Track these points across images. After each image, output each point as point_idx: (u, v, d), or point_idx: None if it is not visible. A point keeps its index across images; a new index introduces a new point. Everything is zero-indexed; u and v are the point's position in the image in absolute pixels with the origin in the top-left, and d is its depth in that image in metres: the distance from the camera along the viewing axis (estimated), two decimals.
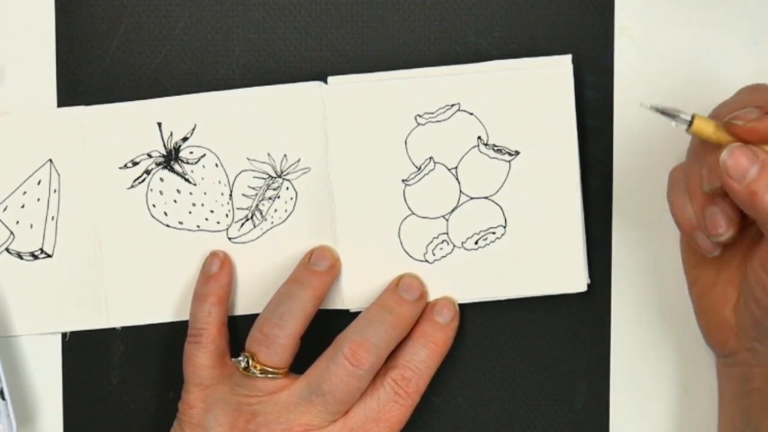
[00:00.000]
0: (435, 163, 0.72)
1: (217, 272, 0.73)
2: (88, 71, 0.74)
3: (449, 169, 0.72)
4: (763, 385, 0.67)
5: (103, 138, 0.73)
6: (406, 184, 0.73)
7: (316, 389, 0.70)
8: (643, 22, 0.73)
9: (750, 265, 0.66)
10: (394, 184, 0.73)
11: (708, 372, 0.73)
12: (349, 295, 0.73)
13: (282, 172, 0.73)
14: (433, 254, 0.73)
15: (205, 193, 0.74)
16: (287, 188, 0.73)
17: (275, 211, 0.73)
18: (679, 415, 0.74)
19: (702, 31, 0.73)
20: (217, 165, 0.73)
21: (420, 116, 0.72)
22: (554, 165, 0.72)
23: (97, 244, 0.74)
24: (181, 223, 0.74)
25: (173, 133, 0.73)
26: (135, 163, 0.73)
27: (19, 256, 0.74)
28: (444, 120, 0.72)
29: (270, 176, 0.73)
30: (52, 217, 0.74)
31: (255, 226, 0.74)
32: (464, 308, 0.74)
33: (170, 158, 0.73)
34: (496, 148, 0.72)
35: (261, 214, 0.74)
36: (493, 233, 0.73)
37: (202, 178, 0.73)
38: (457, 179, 0.72)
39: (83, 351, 0.75)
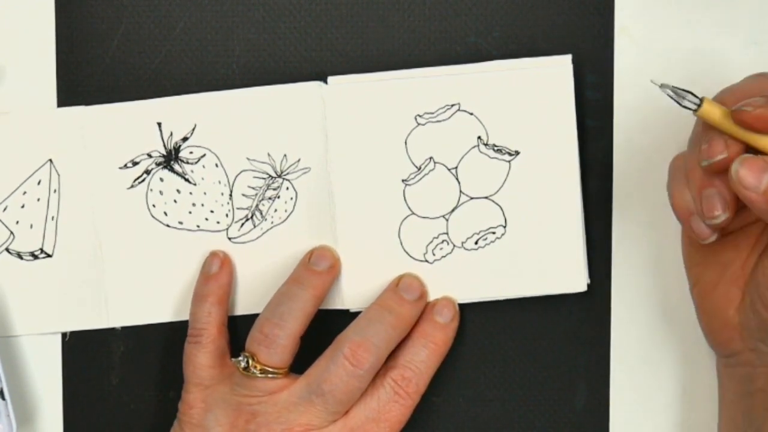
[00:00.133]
0: (435, 163, 0.72)
1: (217, 272, 0.73)
2: (88, 71, 0.74)
3: (449, 169, 0.72)
4: (767, 385, 0.67)
5: (103, 138, 0.73)
6: (406, 184, 0.73)
7: (316, 389, 0.70)
8: (643, 22, 0.73)
9: (761, 266, 0.65)
10: (394, 184, 0.73)
11: (708, 372, 0.73)
12: (349, 295, 0.73)
13: (282, 172, 0.73)
14: (433, 254, 0.73)
15: (205, 193, 0.74)
16: (287, 188, 0.73)
17: (275, 211, 0.73)
18: (680, 415, 0.74)
19: (702, 31, 0.73)
20: (217, 165, 0.73)
21: (420, 116, 0.72)
22: (554, 165, 0.72)
23: (97, 244, 0.74)
24: (181, 223, 0.74)
25: (173, 133, 0.73)
26: (135, 163, 0.73)
27: (19, 256, 0.74)
28: (444, 120, 0.72)
29: (270, 176, 0.73)
30: (52, 217, 0.74)
31: (255, 226, 0.74)
32: (464, 308, 0.74)
33: (170, 158, 0.73)
34: (496, 148, 0.72)
35: (261, 214, 0.74)
36: (493, 233, 0.73)
37: (202, 178, 0.73)
38: (457, 179, 0.72)
39: (83, 351, 0.75)
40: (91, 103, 0.73)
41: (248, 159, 0.73)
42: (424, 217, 0.73)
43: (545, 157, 0.72)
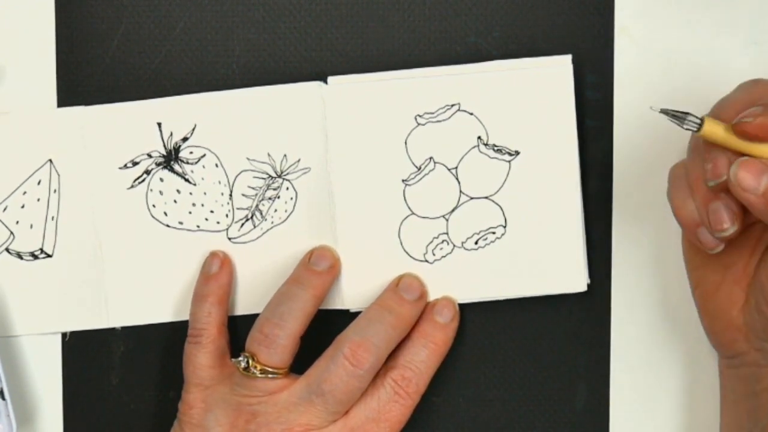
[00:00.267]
0: (435, 163, 0.72)
1: (217, 272, 0.73)
2: (88, 71, 0.74)
3: (449, 169, 0.72)
4: None
5: (103, 138, 0.73)
6: (406, 184, 0.73)
7: (316, 389, 0.70)
8: (643, 22, 0.73)
9: (764, 267, 0.65)
10: (394, 184, 0.73)
11: (709, 372, 0.73)
12: (349, 295, 0.73)
13: (282, 172, 0.73)
14: (433, 254, 0.73)
15: (205, 193, 0.74)
16: (287, 188, 0.73)
17: (275, 211, 0.73)
18: (680, 415, 0.74)
19: (702, 31, 0.73)
20: (217, 165, 0.73)
21: (420, 116, 0.72)
22: (554, 165, 0.72)
23: (97, 244, 0.74)
24: (181, 223, 0.74)
25: (173, 133, 0.73)
26: (135, 163, 0.73)
27: (19, 256, 0.74)
28: (444, 120, 0.72)
29: (270, 176, 0.73)
30: (52, 217, 0.74)
31: (255, 226, 0.74)
32: (464, 308, 0.74)
33: (170, 158, 0.73)
34: (496, 148, 0.72)
35: (261, 214, 0.74)
36: (493, 233, 0.73)
37: (202, 178, 0.73)
38: (457, 179, 0.72)
39: (83, 351, 0.75)
40: (91, 103, 0.73)
41: (248, 159, 0.73)
42: (424, 217, 0.73)
43: (545, 157, 0.72)
